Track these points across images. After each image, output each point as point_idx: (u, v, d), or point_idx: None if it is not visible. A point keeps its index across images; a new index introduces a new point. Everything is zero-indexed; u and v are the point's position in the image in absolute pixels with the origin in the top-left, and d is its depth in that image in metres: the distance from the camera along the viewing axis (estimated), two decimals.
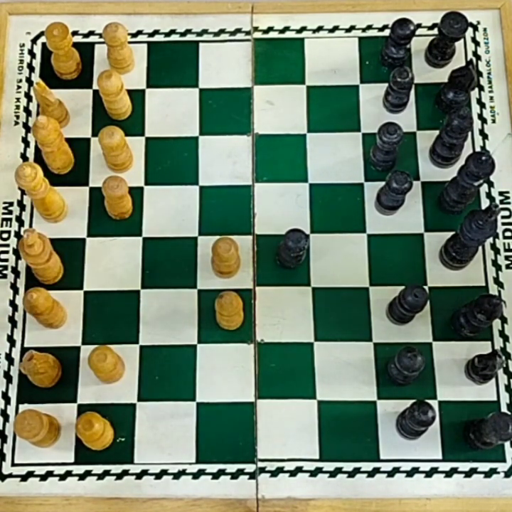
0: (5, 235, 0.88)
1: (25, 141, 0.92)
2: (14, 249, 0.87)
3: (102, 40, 0.91)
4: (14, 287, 0.86)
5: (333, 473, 0.80)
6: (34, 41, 0.95)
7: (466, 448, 0.81)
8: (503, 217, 0.88)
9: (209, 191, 0.90)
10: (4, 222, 0.89)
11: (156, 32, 0.96)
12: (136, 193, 0.89)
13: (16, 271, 0.87)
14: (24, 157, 0.91)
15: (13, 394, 0.83)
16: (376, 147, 0.87)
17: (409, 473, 0.80)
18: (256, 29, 0.95)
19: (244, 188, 0.90)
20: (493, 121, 0.92)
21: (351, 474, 0.80)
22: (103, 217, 0.88)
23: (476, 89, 0.92)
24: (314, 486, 0.80)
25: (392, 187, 0.83)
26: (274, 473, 0.81)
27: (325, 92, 0.93)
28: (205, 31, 0.95)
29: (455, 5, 0.94)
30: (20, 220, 0.89)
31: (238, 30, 0.95)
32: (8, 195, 0.90)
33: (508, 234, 0.88)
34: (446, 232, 0.86)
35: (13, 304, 0.86)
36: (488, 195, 0.89)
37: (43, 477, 0.81)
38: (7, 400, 0.83)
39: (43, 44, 0.94)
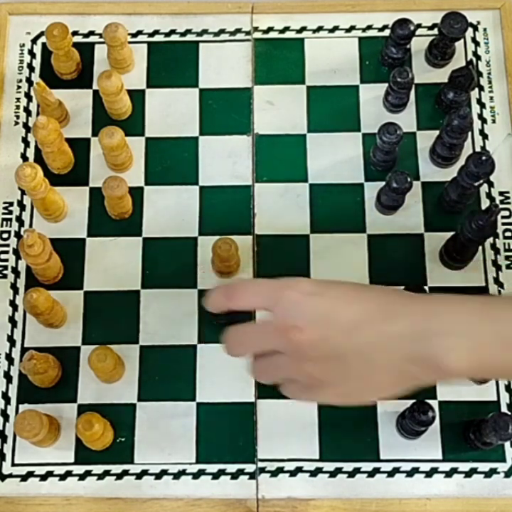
0: (5, 235, 0.88)
1: (25, 141, 0.92)
2: (14, 249, 0.87)
3: (102, 40, 0.91)
4: (14, 287, 0.86)
5: (333, 473, 0.80)
6: (34, 41, 0.95)
7: (466, 448, 0.81)
8: (503, 217, 0.88)
9: (209, 191, 0.90)
10: (4, 222, 0.89)
11: (156, 32, 0.96)
12: (136, 193, 0.89)
13: (16, 271, 0.87)
14: (24, 157, 0.91)
15: (13, 394, 0.83)
16: (376, 147, 0.87)
17: (409, 473, 0.80)
18: (256, 29, 0.95)
19: (244, 188, 0.89)
20: (493, 121, 0.92)
21: (351, 474, 0.80)
22: (103, 217, 0.88)
23: (476, 89, 0.92)
24: (314, 486, 0.80)
25: (392, 187, 0.83)
26: (274, 473, 0.80)
27: (325, 92, 0.93)
28: (205, 31, 0.95)
29: (455, 5, 0.94)
30: (20, 220, 0.89)
31: (238, 30, 0.95)
32: (8, 195, 0.89)
33: (508, 234, 0.88)
34: (446, 232, 0.86)
35: (13, 304, 0.86)
36: (488, 195, 0.89)
37: (43, 477, 0.81)
38: (7, 400, 0.83)
39: (43, 44, 0.94)
